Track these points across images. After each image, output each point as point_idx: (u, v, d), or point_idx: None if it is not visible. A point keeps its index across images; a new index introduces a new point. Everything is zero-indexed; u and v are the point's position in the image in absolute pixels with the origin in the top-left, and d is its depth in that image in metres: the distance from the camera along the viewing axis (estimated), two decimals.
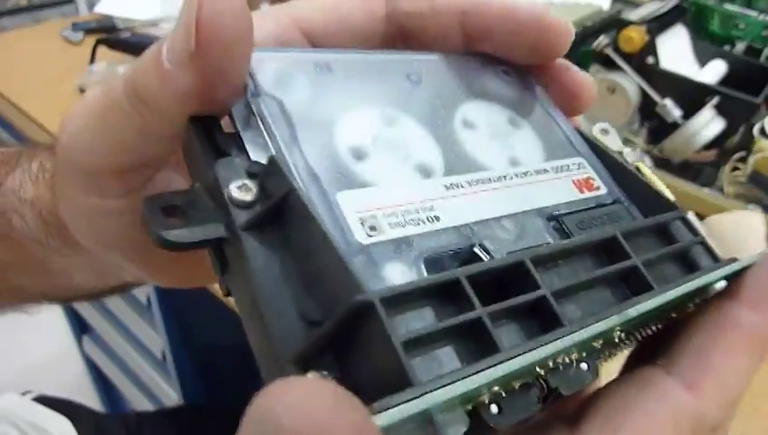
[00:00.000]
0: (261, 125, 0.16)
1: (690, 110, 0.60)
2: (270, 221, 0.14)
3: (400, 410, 0.10)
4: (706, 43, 0.69)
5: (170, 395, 0.90)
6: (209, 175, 0.15)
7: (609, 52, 0.62)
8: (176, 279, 0.25)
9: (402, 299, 0.12)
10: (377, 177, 0.16)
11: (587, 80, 0.21)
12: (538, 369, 0.13)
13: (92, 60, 0.79)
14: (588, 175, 0.19)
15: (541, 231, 0.17)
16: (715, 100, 0.59)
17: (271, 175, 0.15)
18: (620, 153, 0.20)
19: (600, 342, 0.14)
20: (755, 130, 0.57)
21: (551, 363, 0.13)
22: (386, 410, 0.10)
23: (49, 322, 0.99)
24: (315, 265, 0.13)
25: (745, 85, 0.60)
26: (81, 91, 0.75)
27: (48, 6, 1.00)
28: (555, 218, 0.17)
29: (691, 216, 0.18)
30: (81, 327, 1.05)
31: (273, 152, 0.15)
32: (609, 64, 0.62)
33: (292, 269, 0.14)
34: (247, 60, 0.16)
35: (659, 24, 0.64)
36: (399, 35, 0.21)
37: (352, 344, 0.12)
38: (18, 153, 0.27)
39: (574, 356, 0.13)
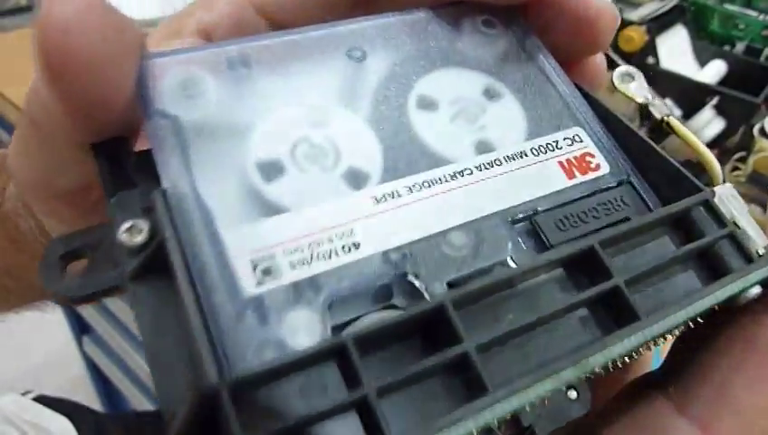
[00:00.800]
0: (157, 145, 0.13)
1: (690, 110, 0.60)
2: (157, 269, 0.12)
3: None
4: (706, 43, 0.69)
5: None
6: (107, 212, 0.13)
7: (609, 51, 0.61)
8: None
9: (265, 379, 0.10)
10: (291, 198, 0.13)
11: (602, 2, 0.17)
12: None
13: None
14: (584, 150, 0.15)
15: (501, 243, 0.14)
16: (715, 100, 0.59)
17: (155, 215, 0.12)
18: (646, 105, 0.16)
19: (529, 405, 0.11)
20: (755, 130, 0.57)
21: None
22: None
23: (49, 322, 0.99)
24: (184, 327, 0.11)
25: (745, 85, 0.60)
26: None
27: None
28: (526, 220, 0.14)
29: (722, 194, 0.14)
30: (81, 327, 1.05)
31: (163, 185, 0.13)
32: (610, 64, 0.62)
33: (172, 324, 0.12)
34: (126, 74, 0.13)
35: (659, 24, 0.64)
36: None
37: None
38: None
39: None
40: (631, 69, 0.17)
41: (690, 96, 0.60)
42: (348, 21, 0.16)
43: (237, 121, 0.14)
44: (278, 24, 0.18)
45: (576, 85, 0.17)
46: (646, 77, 0.17)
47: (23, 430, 0.52)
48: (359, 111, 0.15)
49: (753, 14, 0.68)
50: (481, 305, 0.12)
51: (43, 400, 0.57)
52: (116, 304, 0.90)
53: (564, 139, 0.16)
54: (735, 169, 0.57)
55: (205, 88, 0.14)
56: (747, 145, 0.57)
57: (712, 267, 0.13)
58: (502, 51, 0.17)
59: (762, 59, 0.67)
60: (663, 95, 0.61)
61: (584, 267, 0.13)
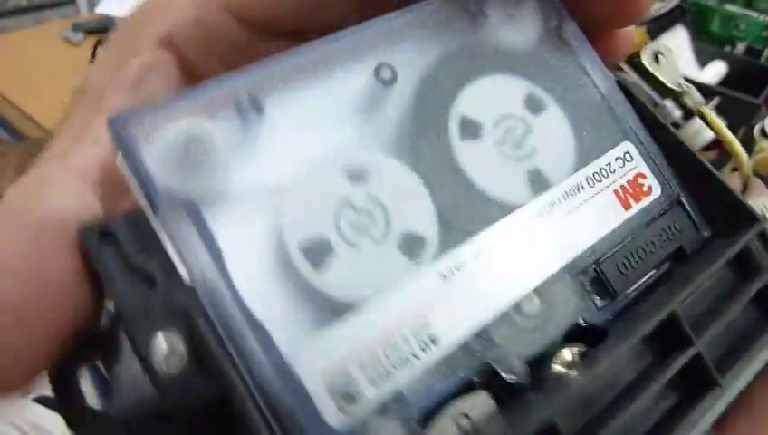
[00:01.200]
0: (169, 252, 0.10)
1: (690, 110, 0.60)
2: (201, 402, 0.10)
3: None
4: (706, 44, 0.69)
5: None
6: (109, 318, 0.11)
7: None
8: None
9: None
10: (349, 288, 0.11)
11: None
12: None
13: (93, 60, 0.79)
14: (636, 171, 0.14)
15: (571, 304, 0.12)
16: (716, 100, 0.59)
17: (192, 336, 0.10)
18: (680, 92, 0.16)
19: None
20: (755, 130, 0.57)
21: None
22: None
23: None
24: None
25: (746, 86, 0.60)
26: None
27: (49, 7, 1.00)
28: (590, 270, 0.13)
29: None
30: None
31: (188, 281, 0.10)
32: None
33: None
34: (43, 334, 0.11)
35: (659, 24, 0.64)
36: None
37: None
38: None
39: None
40: (660, 46, 0.15)
41: None
42: (366, 26, 0.13)
43: (261, 183, 0.11)
44: (249, 23, 0.15)
45: (618, 83, 0.15)
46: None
47: (23, 430, 0.52)
48: (398, 151, 0.12)
49: (754, 14, 0.68)
50: (552, 388, 0.11)
51: (43, 400, 0.57)
52: None
53: (616, 159, 0.14)
54: (735, 169, 0.57)
55: (212, 146, 0.11)
56: (747, 145, 0.57)
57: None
58: (535, 38, 0.14)
59: (762, 60, 0.67)
60: (663, 96, 0.61)
61: (662, 335, 0.12)
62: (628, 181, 0.14)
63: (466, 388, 0.11)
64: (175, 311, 0.10)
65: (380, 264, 0.11)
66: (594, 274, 0.13)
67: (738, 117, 0.58)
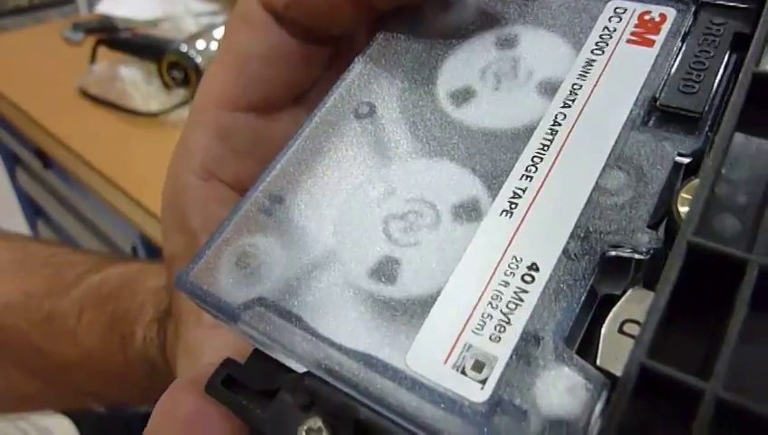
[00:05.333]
0: (266, 349, 0.11)
1: None
2: None
3: None
4: None
5: None
6: None
7: None
8: None
9: None
10: (428, 278, 0.11)
11: None
12: None
13: (93, 60, 0.79)
14: (638, 12, 0.13)
15: (656, 152, 0.11)
16: None
17: (323, 400, 0.10)
18: None
19: None
20: None
21: None
22: None
23: None
24: None
25: None
26: (82, 91, 0.75)
27: (48, 7, 1.00)
28: (655, 112, 0.12)
29: None
30: None
31: (300, 370, 0.11)
32: None
33: None
34: None
35: None
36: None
37: None
38: (136, 301, 0.27)
39: None
40: None
41: None
42: (342, 80, 0.14)
43: (313, 255, 0.12)
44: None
45: None
46: None
47: (23, 430, 0.52)
48: (409, 153, 0.13)
49: None
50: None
51: None
52: None
53: (610, 19, 0.14)
54: None
55: (258, 252, 0.12)
56: None
57: None
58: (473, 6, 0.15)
59: None
60: None
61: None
62: (635, 25, 0.13)
63: (593, 295, 0.10)
64: (302, 402, 0.10)
65: (445, 243, 0.11)
66: (660, 111, 0.12)
67: None
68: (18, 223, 0.96)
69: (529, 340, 0.10)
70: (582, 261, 0.10)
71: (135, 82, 0.72)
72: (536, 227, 0.11)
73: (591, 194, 0.11)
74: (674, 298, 0.09)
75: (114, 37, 0.82)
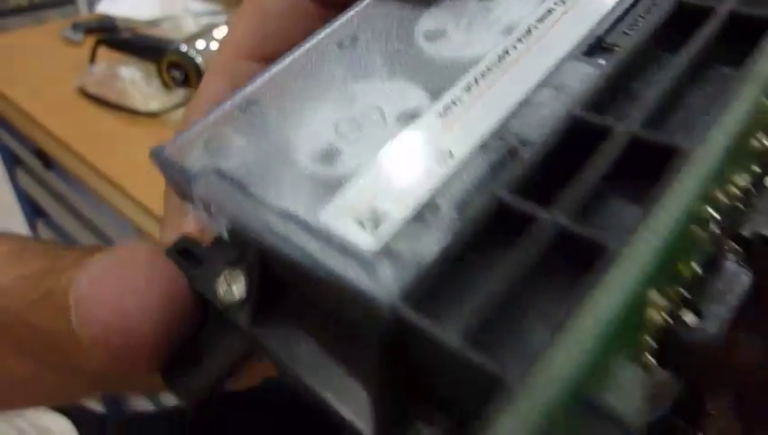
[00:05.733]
0: (209, 208, 0.13)
1: None
2: (268, 300, 0.12)
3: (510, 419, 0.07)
4: None
5: (171, 396, 0.90)
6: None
7: None
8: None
9: (432, 285, 0.09)
10: (360, 163, 0.13)
11: None
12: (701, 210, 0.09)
13: (93, 60, 0.79)
14: None
15: (583, 73, 0.13)
16: None
17: (240, 248, 0.12)
18: None
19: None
20: None
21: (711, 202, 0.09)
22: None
23: None
24: (333, 313, 0.11)
25: None
26: (82, 91, 0.75)
27: (48, 6, 1.00)
28: (594, 48, 0.13)
29: None
30: None
31: (228, 227, 0.13)
32: None
33: (322, 347, 0.11)
34: (147, 318, 0.13)
35: None
36: None
37: (424, 375, 0.10)
38: None
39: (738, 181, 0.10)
40: None
41: None
42: (332, 21, 0.16)
43: (271, 148, 0.14)
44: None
45: None
46: None
47: (23, 430, 0.52)
48: (378, 76, 0.15)
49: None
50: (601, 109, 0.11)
51: None
52: None
53: None
54: None
55: (228, 139, 0.14)
56: None
57: None
58: None
59: None
60: None
61: (682, 27, 0.12)
62: None
63: (499, 167, 0.11)
64: (228, 258, 0.13)
65: (383, 138, 0.13)
66: (603, 50, 0.13)
67: None
68: (18, 223, 0.96)
69: (428, 208, 0.11)
70: (493, 153, 0.12)
71: (135, 81, 0.72)
72: (461, 126, 0.13)
73: (519, 105, 0.13)
74: (543, 159, 0.11)
75: (114, 37, 0.82)
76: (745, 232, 0.10)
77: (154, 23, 0.87)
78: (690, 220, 0.09)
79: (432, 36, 0.15)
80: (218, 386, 0.13)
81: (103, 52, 0.79)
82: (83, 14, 1.01)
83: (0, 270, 0.31)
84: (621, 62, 0.12)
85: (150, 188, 0.59)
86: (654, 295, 0.09)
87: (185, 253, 0.14)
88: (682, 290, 0.09)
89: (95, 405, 1.07)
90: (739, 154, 0.10)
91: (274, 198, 0.12)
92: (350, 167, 0.13)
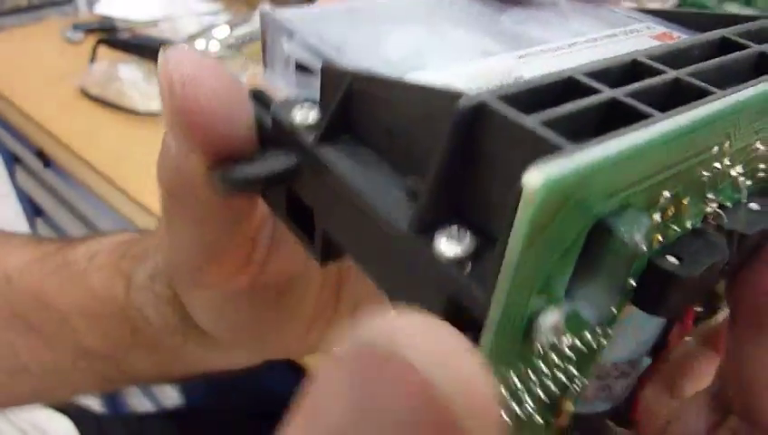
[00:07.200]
0: (306, 57, 0.15)
1: None
2: (338, 128, 0.13)
3: (568, 161, 0.08)
4: None
5: (171, 396, 0.90)
6: (270, 116, 0.14)
7: None
8: (284, 353, 0.26)
9: (517, 100, 0.10)
10: (440, 64, 0.14)
11: None
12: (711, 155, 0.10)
13: (93, 60, 0.79)
14: (663, 30, 0.17)
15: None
16: None
17: (327, 84, 0.13)
18: None
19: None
20: None
21: (718, 165, 0.11)
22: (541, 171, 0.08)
23: None
24: (401, 132, 0.12)
25: None
26: (82, 91, 0.75)
27: (48, 6, 1.00)
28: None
29: None
30: None
31: (324, 64, 0.14)
32: None
33: (380, 163, 0.13)
34: (238, 107, 0.15)
35: None
36: None
37: (471, 178, 0.10)
38: (141, 241, 0.28)
39: (738, 170, 0.11)
40: None
41: None
42: None
43: (364, 38, 0.15)
44: None
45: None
46: None
47: (23, 430, 0.52)
48: (466, 26, 0.16)
49: (753, 14, 0.68)
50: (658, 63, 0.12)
51: None
52: None
53: (641, 27, 0.17)
54: None
55: (330, 22, 0.16)
56: None
57: None
58: None
59: None
60: None
61: (724, 50, 0.13)
62: (657, 34, 0.16)
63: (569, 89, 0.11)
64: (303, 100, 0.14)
65: (464, 58, 0.14)
66: None
67: None
68: (18, 223, 0.96)
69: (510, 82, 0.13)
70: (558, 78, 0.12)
71: (135, 81, 0.72)
72: (533, 68, 0.14)
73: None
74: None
75: (114, 37, 0.82)
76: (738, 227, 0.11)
77: (154, 23, 0.87)
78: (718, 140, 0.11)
79: (516, 21, 0.17)
80: (258, 183, 0.14)
81: (103, 52, 0.79)
82: (83, 14, 1.01)
83: (13, 254, 0.31)
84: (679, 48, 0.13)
85: (150, 188, 0.59)
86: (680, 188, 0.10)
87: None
88: (676, 228, 0.11)
89: (95, 405, 1.07)
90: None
91: (360, 63, 0.14)
92: (432, 67, 0.14)
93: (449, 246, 0.10)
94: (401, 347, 0.07)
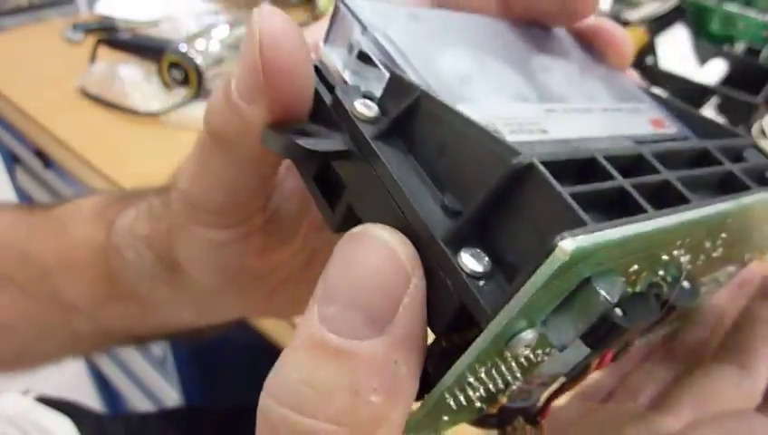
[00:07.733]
0: (374, 53, 0.16)
1: None
2: (395, 131, 0.15)
3: (591, 237, 0.11)
4: (706, 43, 0.69)
5: (171, 396, 0.90)
6: (330, 100, 0.15)
7: None
8: (273, 311, 0.27)
9: (551, 167, 0.12)
10: (483, 97, 0.16)
11: (621, 31, 0.22)
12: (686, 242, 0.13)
13: (93, 60, 0.79)
14: (659, 116, 0.20)
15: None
16: (715, 100, 0.59)
17: (393, 89, 0.15)
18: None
19: (712, 237, 0.15)
20: (755, 129, 0.57)
21: (675, 252, 0.14)
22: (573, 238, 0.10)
23: None
24: (451, 157, 0.14)
25: (745, 85, 0.60)
26: (82, 91, 0.75)
27: (48, 6, 1.00)
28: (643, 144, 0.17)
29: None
30: None
31: (389, 75, 0.15)
32: None
33: (421, 172, 0.14)
34: (309, 75, 0.16)
35: (659, 24, 0.65)
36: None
37: (503, 217, 0.13)
38: (126, 194, 0.28)
39: (685, 258, 0.14)
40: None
41: (690, 96, 0.60)
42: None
43: (422, 48, 0.17)
44: None
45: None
46: (646, 77, 0.19)
47: (23, 430, 0.52)
48: (506, 62, 0.18)
49: (753, 14, 0.68)
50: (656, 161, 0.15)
51: (44, 400, 0.57)
52: None
53: (642, 108, 0.20)
54: None
55: (394, 23, 0.17)
56: None
57: None
58: (573, 50, 0.21)
59: (761, 59, 0.67)
60: None
61: (699, 163, 0.16)
62: (654, 118, 0.19)
63: (587, 164, 0.14)
64: (366, 93, 0.16)
65: (500, 96, 0.16)
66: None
67: (738, 116, 0.58)
68: None
69: (528, 147, 0.14)
70: (572, 150, 0.15)
71: (135, 81, 0.72)
72: (560, 124, 0.16)
73: (590, 139, 0.17)
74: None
75: (114, 37, 0.82)
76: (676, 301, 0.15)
77: (154, 23, 0.87)
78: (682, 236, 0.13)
79: (543, 68, 0.19)
80: (320, 157, 0.14)
81: (103, 52, 0.79)
82: (83, 14, 1.01)
83: (3, 211, 0.32)
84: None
85: None
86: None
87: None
88: (629, 290, 0.13)
89: (95, 405, 1.07)
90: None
91: (422, 74, 0.15)
92: (475, 94, 0.16)
93: (472, 261, 0.12)
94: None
